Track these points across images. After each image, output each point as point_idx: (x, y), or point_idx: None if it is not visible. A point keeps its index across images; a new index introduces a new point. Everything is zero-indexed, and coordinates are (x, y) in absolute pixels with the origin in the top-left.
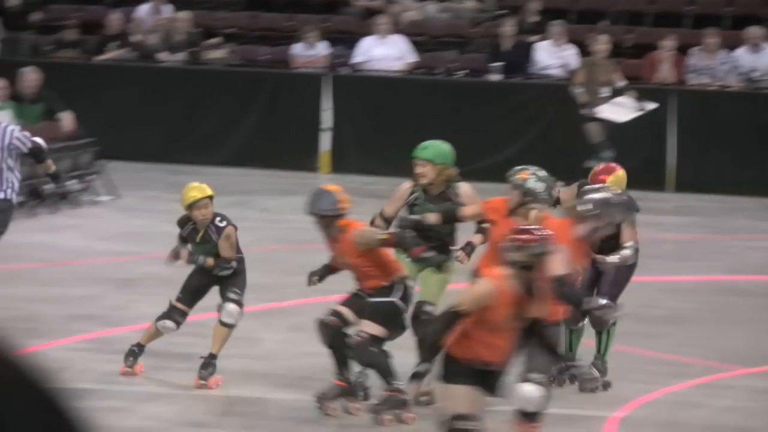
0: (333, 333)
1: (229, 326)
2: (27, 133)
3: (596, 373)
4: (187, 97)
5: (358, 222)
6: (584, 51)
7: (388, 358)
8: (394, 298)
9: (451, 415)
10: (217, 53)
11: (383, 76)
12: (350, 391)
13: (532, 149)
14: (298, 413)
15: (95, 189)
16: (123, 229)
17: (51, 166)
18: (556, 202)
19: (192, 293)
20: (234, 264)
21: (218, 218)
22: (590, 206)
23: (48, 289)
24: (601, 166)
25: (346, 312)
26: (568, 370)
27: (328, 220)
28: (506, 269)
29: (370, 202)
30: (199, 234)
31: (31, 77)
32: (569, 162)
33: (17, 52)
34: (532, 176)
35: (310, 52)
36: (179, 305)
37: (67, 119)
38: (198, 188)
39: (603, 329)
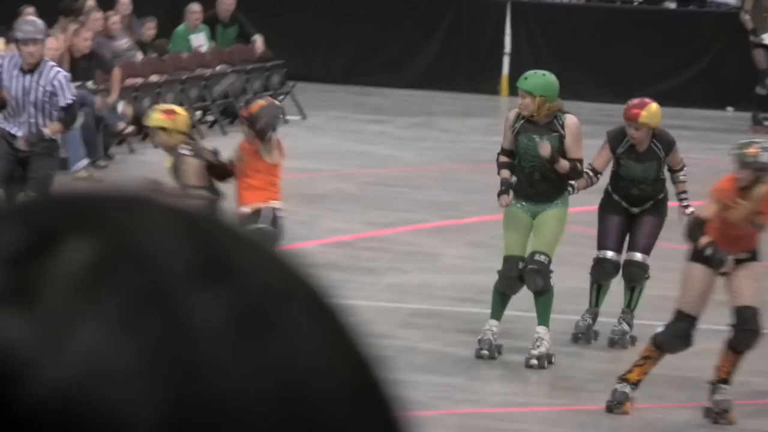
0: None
1: None
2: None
3: (627, 328)
4: (373, 20)
5: None
6: None
7: None
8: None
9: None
10: None
11: (562, 3)
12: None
13: (706, 76)
14: (475, 326)
15: (284, 109)
16: (310, 147)
17: (57, 129)
18: None
19: None
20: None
21: (183, 147)
22: None
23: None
24: (635, 100)
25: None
26: (593, 325)
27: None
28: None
29: None
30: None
31: (226, 1)
32: (741, 89)
33: None
34: (763, 150)
35: None
36: None
37: (258, 42)
38: (155, 116)
39: (637, 285)
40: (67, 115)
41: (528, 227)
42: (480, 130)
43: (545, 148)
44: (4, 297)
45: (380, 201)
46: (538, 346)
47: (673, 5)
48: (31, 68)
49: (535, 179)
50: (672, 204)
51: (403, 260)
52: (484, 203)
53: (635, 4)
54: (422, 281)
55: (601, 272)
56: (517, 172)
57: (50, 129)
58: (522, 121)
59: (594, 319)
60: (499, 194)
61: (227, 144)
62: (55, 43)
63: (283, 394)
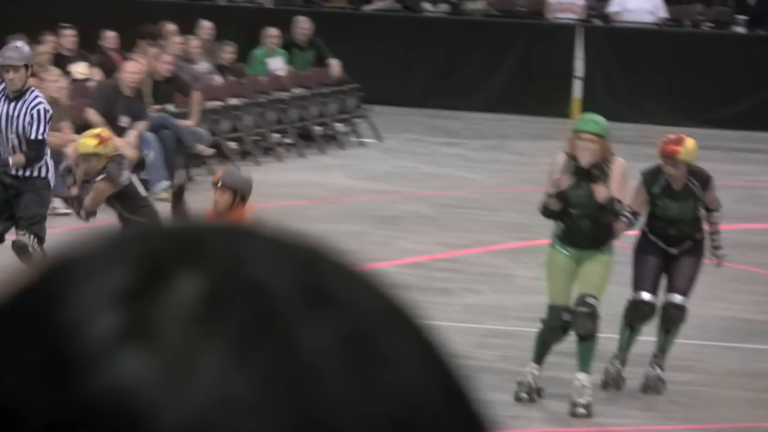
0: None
1: None
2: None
3: (660, 372)
4: (447, 45)
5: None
6: None
7: None
8: None
9: None
10: (476, 4)
11: (634, 28)
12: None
13: None
14: None
15: (360, 131)
16: (386, 169)
17: (20, 161)
18: None
19: None
20: (86, 212)
21: (103, 171)
22: None
23: (316, 225)
24: (671, 136)
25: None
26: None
27: None
28: None
29: (619, 147)
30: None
31: (303, 25)
32: None
33: (290, 2)
34: None
35: (566, 0)
36: None
37: (335, 66)
38: (87, 142)
39: (674, 328)
40: (31, 150)
41: (572, 274)
42: (552, 153)
43: (602, 192)
44: (123, 335)
45: (454, 222)
46: (583, 394)
47: (742, 29)
48: (15, 96)
49: (584, 226)
50: None
51: (477, 281)
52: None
53: (705, 28)
54: (496, 302)
55: (638, 315)
56: (565, 219)
57: (14, 160)
58: (573, 166)
59: (623, 363)
60: (556, 191)
61: (304, 166)
62: (135, 67)
63: (395, 422)
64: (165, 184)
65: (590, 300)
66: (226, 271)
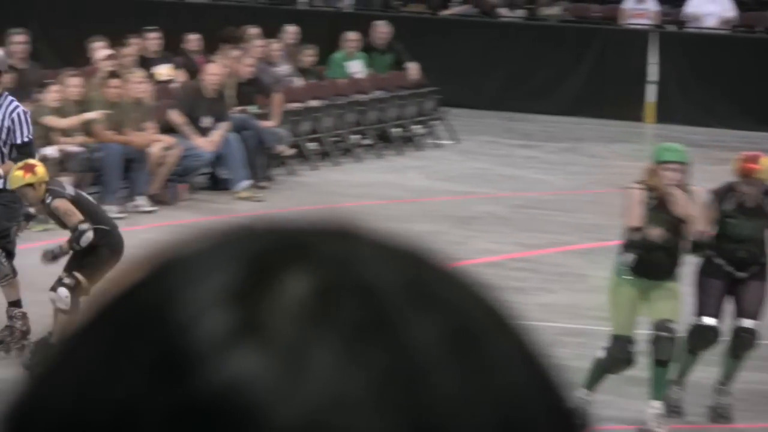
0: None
1: (66, 312)
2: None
3: (730, 401)
4: (522, 50)
5: None
6: None
7: None
8: None
9: None
10: (552, 10)
11: (707, 34)
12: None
13: None
14: None
15: (437, 133)
16: (462, 170)
17: (7, 170)
18: None
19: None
20: (85, 228)
21: (47, 195)
22: None
23: (395, 225)
24: (746, 154)
25: None
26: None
27: None
28: None
29: (692, 151)
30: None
31: (382, 29)
32: None
33: (370, 6)
34: None
35: (640, 6)
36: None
37: (413, 69)
38: (16, 176)
39: (745, 354)
40: (22, 154)
41: (636, 304)
42: (626, 156)
43: (689, 215)
44: (236, 333)
45: (530, 223)
46: (662, 424)
47: None
48: None
49: (659, 256)
50: None
51: (551, 281)
52: None
53: None
54: (570, 301)
55: (703, 340)
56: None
57: (3, 169)
58: (654, 197)
59: (683, 389)
60: (647, 233)
61: (382, 166)
62: (216, 69)
63: (501, 421)
64: (246, 183)
65: (671, 325)
66: (334, 271)
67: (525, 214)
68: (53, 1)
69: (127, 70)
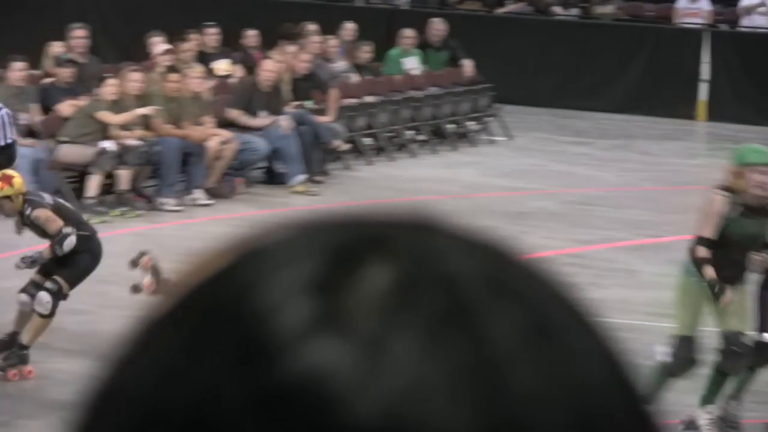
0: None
1: (43, 316)
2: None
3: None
4: (577, 47)
5: None
6: None
7: None
8: None
9: None
10: (606, 8)
11: (759, 33)
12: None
13: None
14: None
15: (491, 130)
16: (516, 166)
17: None
18: None
19: (50, 271)
20: (69, 232)
21: (26, 206)
22: None
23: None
24: None
25: None
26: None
27: None
28: None
29: None
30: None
31: (438, 27)
32: None
33: (426, 4)
34: None
35: (693, 5)
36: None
37: (468, 66)
38: None
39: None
40: (2, 156)
41: (703, 305)
42: (677, 153)
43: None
44: (317, 322)
45: (581, 219)
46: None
47: None
48: None
49: (737, 260)
50: None
51: (603, 276)
52: (681, 223)
53: None
54: (621, 297)
55: (765, 358)
56: (716, 257)
57: None
58: (740, 207)
59: (741, 403)
60: (717, 295)
61: (436, 162)
62: (272, 66)
63: (580, 415)
64: (301, 177)
65: (742, 339)
66: (415, 262)
67: (577, 210)
68: None
69: (186, 65)
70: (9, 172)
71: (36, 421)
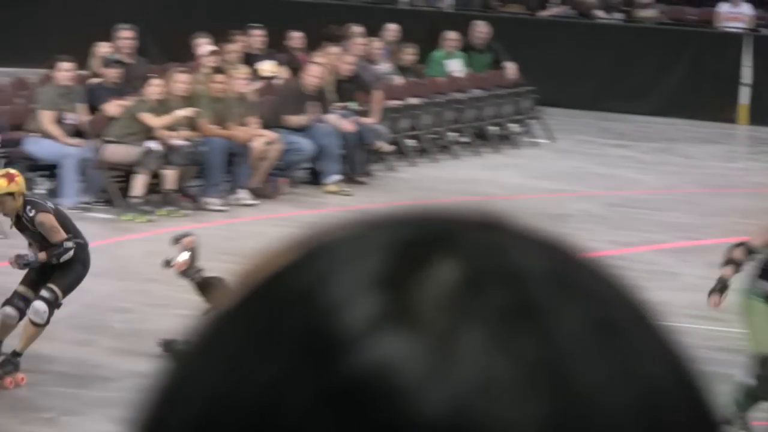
0: None
1: (37, 325)
2: None
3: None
4: (619, 51)
5: None
6: None
7: None
8: None
9: None
10: (648, 12)
11: None
12: None
13: None
14: (712, 342)
15: (534, 132)
16: (558, 169)
17: None
18: None
19: (36, 282)
20: (70, 246)
21: (28, 207)
22: None
23: None
24: None
25: None
26: None
27: None
28: None
29: None
30: (11, 222)
31: (481, 29)
32: None
33: (469, 6)
34: None
35: (735, 10)
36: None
37: (511, 68)
38: None
39: None
40: None
41: None
42: (718, 157)
43: None
44: (385, 317)
45: (623, 221)
46: None
47: None
48: None
49: None
50: None
51: (644, 278)
52: (723, 226)
53: None
54: (662, 299)
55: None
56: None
57: None
58: None
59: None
60: (711, 292)
61: (479, 164)
62: (316, 70)
63: (645, 411)
64: (336, 177)
65: None
66: (482, 258)
67: (618, 213)
68: None
69: (231, 66)
70: (11, 170)
71: (81, 417)
